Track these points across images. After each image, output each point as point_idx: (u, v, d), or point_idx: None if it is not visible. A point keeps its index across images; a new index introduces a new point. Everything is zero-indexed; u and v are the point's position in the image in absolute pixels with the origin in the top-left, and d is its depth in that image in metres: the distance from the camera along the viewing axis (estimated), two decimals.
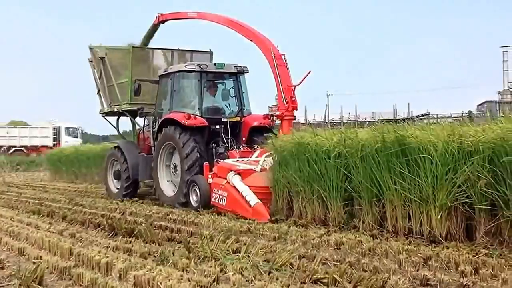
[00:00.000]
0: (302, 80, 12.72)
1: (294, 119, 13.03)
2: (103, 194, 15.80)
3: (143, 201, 13.66)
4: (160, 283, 5.22)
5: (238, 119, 13.01)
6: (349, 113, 64.11)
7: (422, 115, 63.46)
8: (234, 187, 10.41)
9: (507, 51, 60.32)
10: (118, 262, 6.22)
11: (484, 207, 6.99)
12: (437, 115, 71.49)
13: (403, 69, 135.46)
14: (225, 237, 7.50)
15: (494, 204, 6.91)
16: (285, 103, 12.64)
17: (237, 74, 13.24)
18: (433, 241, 7.30)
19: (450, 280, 5.31)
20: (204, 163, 11.62)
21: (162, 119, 12.71)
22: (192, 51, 15.58)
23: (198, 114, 12.35)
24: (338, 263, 6.10)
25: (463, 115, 73.54)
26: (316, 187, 9.10)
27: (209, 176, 11.33)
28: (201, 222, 9.30)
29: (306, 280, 5.49)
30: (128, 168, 14.03)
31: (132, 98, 14.30)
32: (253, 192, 10.16)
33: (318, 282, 5.44)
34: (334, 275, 5.36)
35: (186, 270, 5.94)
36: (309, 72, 12.79)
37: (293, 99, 12.70)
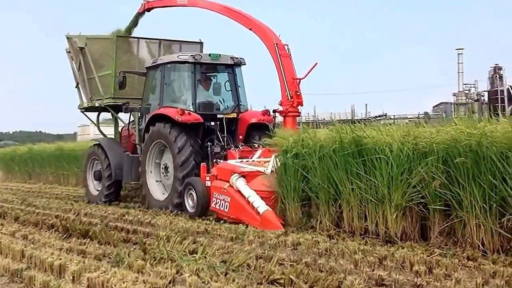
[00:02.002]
0: (308, 73, 11.89)
1: (299, 116, 12.25)
2: (75, 198, 14.61)
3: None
4: (115, 285, 5.12)
5: (234, 115, 11.93)
6: (308, 113, 64.55)
7: (379, 116, 64.48)
8: (239, 191, 9.33)
9: (462, 53, 61.67)
10: (71, 264, 6.08)
11: (438, 207, 7.10)
12: (393, 116, 72.91)
13: (362, 70, 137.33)
14: (182, 238, 7.44)
15: (448, 205, 7.03)
16: (289, 98, 11.80)
17: (234, 66, 12.21)
18: (388, 241, 7.39)
19: (405, 280, 5.37)
20: (202, 164, 10.60)
21: (151, 115, 11.65)
22: (181, 42, 14.39)
23: (192, 110, 11.28)
24: (294, 264, 6.09)
25: (419, 116, 75.17)
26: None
27: (207, 178, 10.29)
28: (157, 223, 9.18)
29: (263, 281, 5.48)
30: (111, 168, 12.92)
31: (115, 92, 13.17)
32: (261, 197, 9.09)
33: (275, 283, 5.43)
34: (291, 276, 5.35)
35: (142, 272, 5.85)
36: (316, 64, 11.93)
37: (298, 93, 11.87)
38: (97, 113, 14.85)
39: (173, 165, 10.99)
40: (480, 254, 6.38)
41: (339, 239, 7.51)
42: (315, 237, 7.63)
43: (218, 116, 11.68)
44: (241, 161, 10.36)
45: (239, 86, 12.15)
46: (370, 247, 6.90)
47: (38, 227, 9.28)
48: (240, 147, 11.28)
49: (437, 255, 6.45)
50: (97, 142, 13.63)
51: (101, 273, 5.62)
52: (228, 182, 9.53)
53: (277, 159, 9.37)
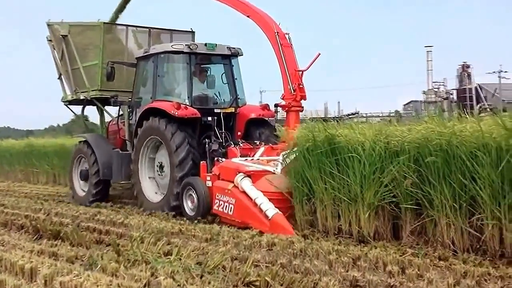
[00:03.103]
0: (311, 64, 11.24)
1: (302, 110, 11.43)
2: (45, 197, 14.09)
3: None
4: None
5: (232, 110, 11.25)
6: (279, 111, 64.55)
7: (352, 113, 64.98)
8: (244, 192, 8.75)
9: (431, 51, 62.50)
10: (43, 267, 6.00)
11: (409, 206, 7.20)
12: (365, 114, 73.52)
13: (335, 67, 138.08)
14: (156, 239, 7.39)
15: (419, 204, 7.14)
16: (292, 91, 11.13)
17: (231, 57, 11.53)
18: (362, 241, 7.47)
19: (379, 280, 5.44)
20: (201, 162, 9.97)
21: (144, 109, 10.90)
22: (171, 31, 13.51)
23: (188, 104, 10.61)
24: (270, 265, 6.12)
25: (390, 114, 75.92)
26: None
27: (208, 178, 9.66)
28: (131, 223, 9.09)
29: (239, 283, 5.49)
30: (99, 166, 12.06)
31: (103, 84, 12.40)
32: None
33: (251, 285, 5.44)
34: (266, 278, 5.38)
35: (116, 275, 5.80)
36: (318, 54, 11.25)
37: (301, 86, 11.16)
38: (82, 106, 14.04)
39: (169, 164, 10.32)
40: (451, 254, 6.50)
41: (313, 239, 7.56)
42: (290, 237, 7.66)
43: (215, 110, 11.01)
44: (246, 159, 9.79)
45: (236, 79, 11.52)
46: (344, 247, 6.96)
47: (7, 227, 9.12)
48: (241, 144, 10.68)
49: (409, 255, 6.55)
50: (83, 139, 12.76)
51: (74, 277, 5.56)
52: (232, 182, 8.95)
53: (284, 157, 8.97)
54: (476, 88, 76.78)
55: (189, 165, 10.03)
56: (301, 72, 11.19)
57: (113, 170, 11.88)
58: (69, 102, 14.02)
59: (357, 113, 70.12)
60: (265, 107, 11.57)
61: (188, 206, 9.82)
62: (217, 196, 9.19)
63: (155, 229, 8.37)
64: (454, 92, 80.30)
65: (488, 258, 6.24)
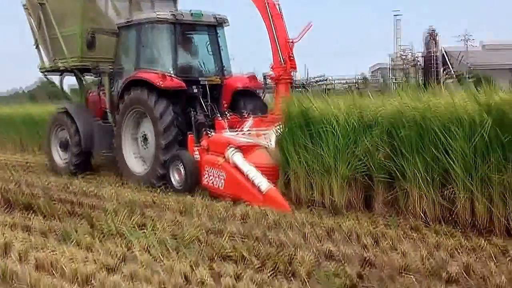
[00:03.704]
0: (302, 35, 11.09)
1: (292, 82, 11.35)
2: (14, 167, 13.60)
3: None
4: (64, 265, 5.03)
5: (218, 80, 10.92)
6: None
7: (319, 79, 65.16)
8: (236, 166, 8.57)
9: (400, 20, 62.61)
10: (17, 242, 5.96)
11: (382, 178, 7.29)
12: (332, 77, 73.80)
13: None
14: (130, 211, 7.36)
15: (392, 175, 7.23)
16: (282, 62, 10.93)
17: (217, 26, 11.14)
18: (334, 211, 7.54)
19: (353, 253, 5.52)
20: (189, 135, 9.66)
21: (128, 79, 10.51)
22: None
23: (173, 74, 10.23)
24: (245, 238, 6.15)
25: (357, 79, 76.44)
26: None
27: (195, 151, 9.43)
28: (103, 194, 9.03)
29: (215, 257, 5.51)
30: (79, 136, 11.70)
31: (83, 53, 11.92)
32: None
33: (227, 259, 5.47)
34: (242, 252, 5.40)
35: (91, 249, 5.79)
36: (310, 25, 11.14)
37: (291, 57, 10.99)
38: (60, 75, 13.55)
39: (153, 133, 9.99)
40: (423, 224, 6.61)
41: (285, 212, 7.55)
42: (263, 208, 7.69)
43: (201, 81, 10.68)
44: (237, 132, 9.59)
45: (222, 48, 11.17)
46: (318, 219, 7.03)
47: None
48: (228, 116, 10.33)
49: (382, 226, 6.65)
50: (64, 108, 12.33)
51: (50, 252, 5.54)
52: (223, 155, 8.73)
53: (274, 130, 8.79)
54: (442, 54, 77.77)
55: (174, 132, 9.76)
56: (292, 42, 10.99)
57: (95, 141, 11.60)
58: (47, 71, 13.57)
59: (325, 78, 70.39)
60: (252, 77, 11.28)
61: (175, 179, 9.55)
62: (207, 169, 8.99)
63: (128, 201, 8.34)
64: (421, 58, 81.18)
65: (459, 229, 6.37)
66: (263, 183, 8.04)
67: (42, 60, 13.38)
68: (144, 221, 6.99)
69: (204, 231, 6.43)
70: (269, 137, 8.95)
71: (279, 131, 8.63)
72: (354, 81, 76.04)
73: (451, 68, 75.14)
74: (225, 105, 10.85)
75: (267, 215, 7.26)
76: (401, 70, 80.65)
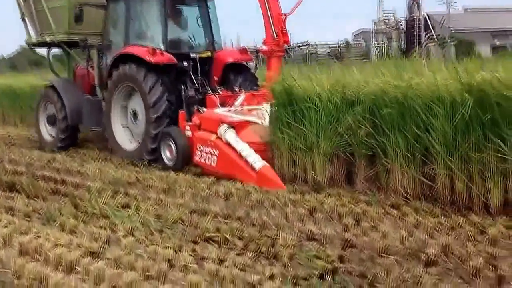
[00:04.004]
0: (296, 7, 10.89)
1: (284, 56, 11.14)
2: (10, 142, 13.46)
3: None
4: (49, 251, 5.05)
5: (209, 54, 10.74)
6: (231, 40, 64.12)
7: (302, 44, 64.93)
8: (228, 144, 8.44)
9: None
10: (0, 226, 5.95)
11: (364, 154, 7.35)
12: (315, 43, 73.56)
13: None
14: (114, 191, 7.37)
15: (373, 152, 7.30)
16: (274, 36, 10.70)
17: None
18: (316, 188, 7.61)
19: (334, 233, 5.61)
20: (180, 111, 9.53)
21: (117, 54, 10.30)
22: None
23: (163, 48, 10.08)
24: (228, 218, 6.22)
25: (340, 44, 76.24)
26: None
27: (187, 128, 9.29)
28: (87, 172, 9.00)
29: (198, 239, 5.57)
30: (65, 111, 11.56)
31: (70, 27, 11.68)
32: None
33: (210, 241, 5.53)
34: (225, 234, 5.47)
35: (75, 232, 5.81)
36: None
37: (284, 31, 10.76)
38: (47, 48, 13.26)
39: (143, 107, 9.85)
40: (403, 202, 6.72)
41: (268, 189, 7.59)
42: (246, 186, 7.75)
43: (191, 55, 10.49)
44: (229, 109, 9.43)
45: (213, 22, 10.98)
46: (300, 196, 7.09)
47: None
48: (220, 91, 10.25)
49: (363, 203, 6.74)
50: (50, 83, 12.17)
51: (34, 237, 5.55)
52: (215, 133, 8.63)
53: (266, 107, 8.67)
54: (424, 18, 77.68)
55: (164, 105, 9.62)
56: (284, 16, 10.78)
57: (84, 116, 11.46)
58: (33, 45, 13.33)
59: (307, 43, 70.21)
60: (243, 51, 11.15)
61: (167, 156, 9.43)
62: (199, 147, 8.89)
63: (112, 179, 8.34)
64: (404, 22, 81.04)
65: (439, 206, 6.48)
66: (257, 161, 7.94)
67: (28, 33, 13.07)
68: (128, 200, 7.01)
69: (187, 211, 6.48)
70: (263, 114, 8.84)
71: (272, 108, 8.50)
72: (337, 46, 76.00)
73: (433, 32, 75.26)
74: (216, 79, 10.73)
75: (250, 193, 7.32)
76: (384, 34, 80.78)
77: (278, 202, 6.84)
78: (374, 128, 7.19)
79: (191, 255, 5.04)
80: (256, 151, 8.11)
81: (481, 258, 4.70)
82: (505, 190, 6.04)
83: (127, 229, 5.84)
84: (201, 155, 8.83)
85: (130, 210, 6.56)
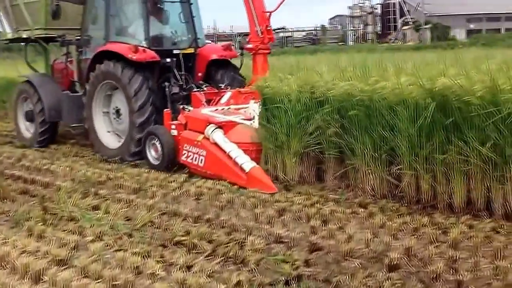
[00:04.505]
0: (279, 5, 10.84)
1: (270, 53, 11.03)
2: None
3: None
4: (16, 259, 5.05)
5: (192, 50, 10.60)
6: (208, 26, 63.89)
7: (278, 28, 65.15)
8: (216, 144, 8.28)
9: None
10: None
11: (333, 154, 7.45)
12: (291, 28, 73.72)
13: None
14: (84, 192, 7.37)
15: (341, 151, 7.41)
16: (259, 34, 10.68)
17: None
18: (286, 186, 7.70)
19: (301, 236, 5.70)
20: (165, 110, 9.31)
21: (98, 51, 9.99)
22: None
23: (146, 46, 9.86)
24: (198, 220, 6.27)
25: (316, 29, 76.56)
26: None
27: (173, 127, 9.07)
28: (57, 170, 8.97)
29: (167, 243, 5.61)
30: (43, 107, 11.23)
31: (47, 22, 11.37)
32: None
33: (179, 244, 5.58)
34: (194, 240, 5.52)
35: (43, 237, 5.80)
36: None
37: (269, 28, 10.73)
38: (24, 44, 12.85)
39: (127, 109, 9.60)
40: (370, 200, 6.85)
41: (239, 187, 7.65)
42: (218, 184, 7.81)
43: (174, 51, 10.30)
44: (216, 109, 9.16)
45: (195, 17, 10.75)
46: (270, 196, 7.17)
47: None
48: (205, 88, 10.08)
49: (332, 202, 6.85)
50: (27, 78, 11.81)
51: (1, 243, 5.55)
52: (202, 133, 8.45)
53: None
54: (399, 2, 78.21)
55: (149, 110, 9.40)
56: (268, 13, 10.74)
57: (64, 113, 11.14)
58: (9, 41, 13.05)
59: (283, 28, 70.22)
60: (227, 47, 10.99)
61: (152, 155, 9.17)
62: (185, 147, 8.68)
63: (82, 178, 8.33)
64: (379, 6, 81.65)
65: (405, 205, 6.63)
66: (247, 163, 7.76)
67: (3, 29, 12.75)
68: (98, 202, 7.02)
69: (157, 213, 6.51)
70: (251, 114, 8.68)
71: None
72: (313, 31, 76.27)
73: (408, 16, 75.91)
74: (200, 75, 10.63)
75: (221, 193, 7.39)
76: (359, 18, 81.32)
77: (248, 202, 6.91)
78: (342, 128, 7.29)
79: (159, 261, 5.08)
80: (245, 152, 7.98)
81: (441, 263, 4.82)
82: (467, 190, 6.18)
83: (96, 233, 5.86)
84: (188, 155, 8.63)
85: (99, 212, 6.57)
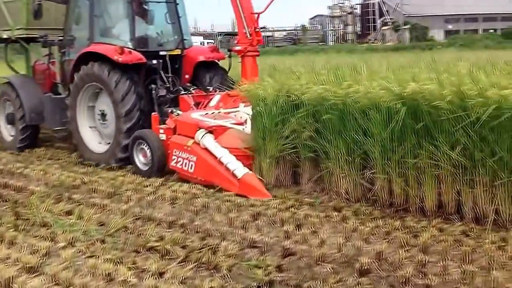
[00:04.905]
0: (268, 6, 10.56)
1: (259, 55, 10.70)
2: None
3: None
4: None
5: (179, 52, 10.40)
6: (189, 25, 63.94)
7: (260, 28, 65.22)
8: (207, 149, 8.00)
9: None
10: None
11: (308, 157, 7.49)
12: (272, 28, 73.84)
13: None
14: (57, 198, 7.32)
15: (316, 155, 7.45)
16: (248, 36, 10.40)
17: None
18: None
19: (275, 240, 5.73)
20: (153, 114, 9.10)
21: (82, 52, 9.68)
22: None
23: (131, 47, 9.66)
24: (172, 226, 6.26)
25: (296, 28, 76.82)
26: None
27: (161, 131, 8.82)
28: (30, 174, 8.88)
29: (140, 249, 5.59)
30: (23, 110, 10.93)
31: (29, 22, 11.10)
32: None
33: (152, 250, 5.56)
34: (167, 246, 5.50)
35: (14, 244, 5.75)
36: None
37: (257, 30, 10.47)
38: (4, 44, 12.50)
39: (113, 113, 9.34)
40: (344, 204, 6.90)
41: (215, 191, 7.67)
42: (193, 188, 7.80)
43: (161, 53, 10.09)
44: (206, 112, 8.87)
45: (181, 18, 10.55)
46: (245, 200, 7.17)
47: None
48: (193, 91, 9.93)
49: (307, 205, 6.89)
50: (7, 80, 11.48)
51: None
52: (192, 138, 8.17)
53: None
54: (379, 3, 78.88)
55: (137, 115, 9.15)
56: (257, 15, 10.48)
57: (46, 116, 10.77)
58: None
59: (264, 27, 70.13)
60: (214, 49, 10.88)
61: (140, 160, 8.88)
62: (175, 152, 8.39)
63: (56, 182, 8.26)
64: (358, 6, 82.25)
65: (378, 208, 6.69)
66: (239, 169, 7.55)
67: None
68: (71, 207, 6.96)
69: (131, 218, 6.49)
70: (243, 118, 8.50)
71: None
72: (294, 31, 76.60)
73: (387, 16, 76.59)
74: (187, 77, 10.44)
75: (196, 197, 7.38)
76: (339, 18, 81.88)
77: (223, 206, 6.91)
78: (316, 132, 7.34)
79: (131, 268, 5.06)
80: (237, 157, 7.77)
81: (411, 267, 4.87)
82: (439, 194, 6.26)
83: (68, 239, 5.82)
84: (177, 161, 8.35)
85: (72, 218, 6.53)
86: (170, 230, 6.14)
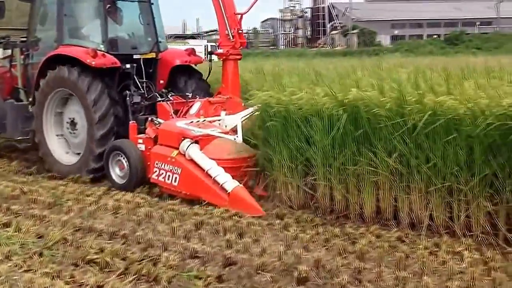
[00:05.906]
0: (251, 6, 10.15)
1: (241, 58, 10.20)
2: None
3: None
4: None
5: (153, 55, 9.85)
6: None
7: (212, 30, 65.24)
8: (192, 160, 7.53)
9: None
10: None
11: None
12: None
13: None
14: None
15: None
16: (231, 38, 9.86)
17: None
18: None
19: (217, 250, 5.73)
20: (130, 122, 8.57)
21: (50, 55, 9.10)
22: None
23: (103, 49, 9.09)
24: (113, 237, 6.18)
25: (248, 31, 77.08)
26: None
27: (140, 141, 8.38)
28: None
29: (79, 262, 5.49)
30: None
31: None
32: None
33: (91, 263, 5.47)
34: (106, 258, 5.43)
35: None
36: None
37: (240, 32, 10.00)
38: None
39: (85, 121, 8.80)
40: (287, 211, 6.98)
41: (158, 200, 7.63)
42: (136, 197, 7.73)
43: (134, 56, 9.52)
44: (191, 121, 8.22)
45: (156, 19, 9.98)
46: (189, 209, 7.13)
47: None
48: (170, 98, 9.42)
49: (249, 215, 6.92)
50: None
51: None
52: (176, 148, 7.71)
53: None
54: (328, 7, 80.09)
55: (111, 121, 8.66)
56: (240, 15, 9.96)
57: (8, 125, 9.90)
58: None
59: (216, 30, 70.40)
60: (191, 52, 10.26)
61: (116, 173, 8.41)
62: (157, 164, 7.86)
63: None
64: (309, 10, 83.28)
65: (320, 215, 6.80)
66: (228, 182, 7.14)
67: None
68: (9, 219, 6.78)
69: (71, 229, 6.37)
70: (234, 127, 8.08)
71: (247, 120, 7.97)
72: (245, 34, 76.68)
73: (336, 20, 77.67)
74: (162, 83, 9.92)
75: (139, 206, 7.32)
76: (290, 21, 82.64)
77: (166, 216, 6.88)
78: (262, 139, 7.41)
79: (69, 282, 4.98)
80: (225, 170, 7.34)
81: (347, 275, 4.97)
82: (377, 200, 6.41)
83: (4, 253, 5.65)
84: (159, 173, 7.83)
85: (10, 230, 6.36)
86: (111, 241, 6.06)
